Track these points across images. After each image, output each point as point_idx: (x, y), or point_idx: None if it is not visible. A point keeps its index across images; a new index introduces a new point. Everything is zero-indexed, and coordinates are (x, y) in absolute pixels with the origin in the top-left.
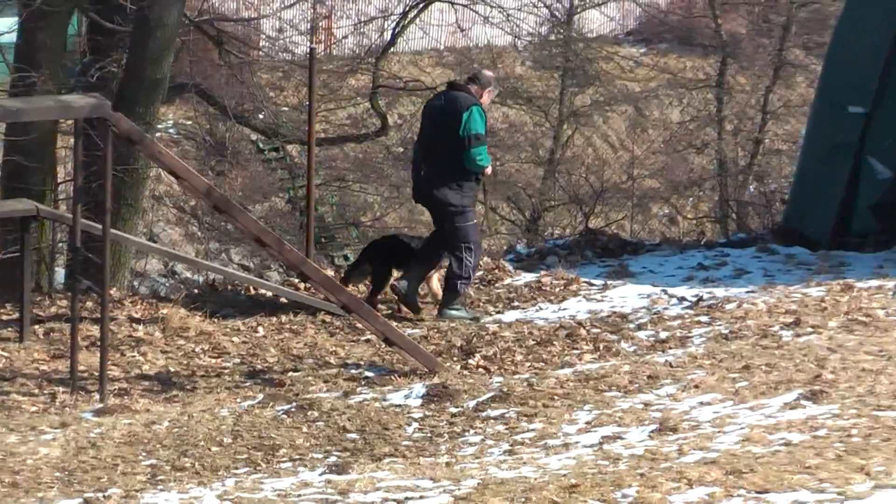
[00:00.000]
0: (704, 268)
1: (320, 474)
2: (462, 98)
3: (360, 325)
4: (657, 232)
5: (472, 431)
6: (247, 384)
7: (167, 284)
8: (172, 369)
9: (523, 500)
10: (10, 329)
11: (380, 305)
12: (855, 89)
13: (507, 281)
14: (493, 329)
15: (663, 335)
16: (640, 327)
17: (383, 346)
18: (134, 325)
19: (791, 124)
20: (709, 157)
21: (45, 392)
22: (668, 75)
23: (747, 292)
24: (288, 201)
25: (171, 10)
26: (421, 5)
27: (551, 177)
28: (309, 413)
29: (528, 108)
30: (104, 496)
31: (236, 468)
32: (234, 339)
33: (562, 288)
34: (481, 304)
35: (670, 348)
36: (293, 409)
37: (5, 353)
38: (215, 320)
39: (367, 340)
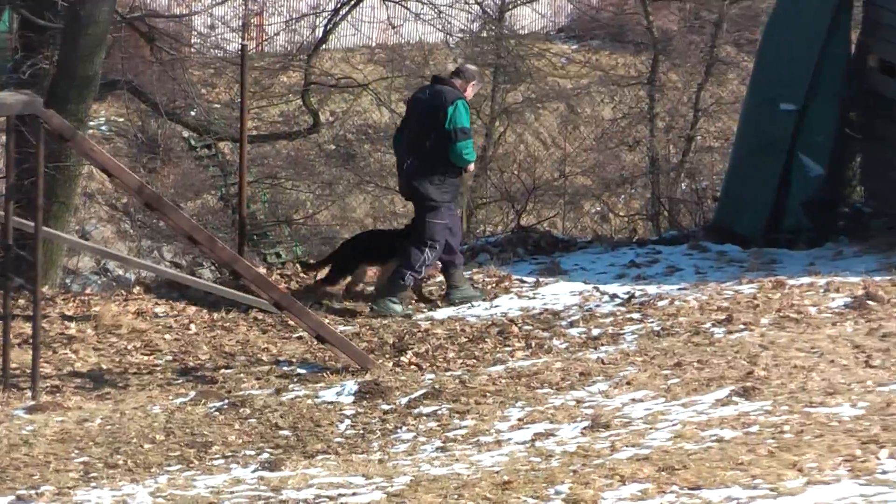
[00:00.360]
0: (636, 265)
1: (253, 471)
2: (447, 92)
3: (292, 323)
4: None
5: (404, 428)
6: (179, 381)
7: (99, 282)
8: (105, 367)
9: (456, 496)
10: None
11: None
12: (786, 86)
13: (439, 278)
14: (426, 326)
15: (595, 332)
16: (572, 324)
17: (315, 343)
18: (66, 322)
19: (723, 121)
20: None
21: None
22: (600, 72)
23: (679, 289)
24: (220, 198)
25: (103, 7)
26: (352, 2)
27: (483, 174)
28: (241, 410)
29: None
30: (37, 493)
31: (169, 465)
32: (167, 336)
33: (494, 285)
34: (413, 301)
35: (602, 345)
36: (225, 407)
37: None
38: (148, 318)
39: (300, 337)
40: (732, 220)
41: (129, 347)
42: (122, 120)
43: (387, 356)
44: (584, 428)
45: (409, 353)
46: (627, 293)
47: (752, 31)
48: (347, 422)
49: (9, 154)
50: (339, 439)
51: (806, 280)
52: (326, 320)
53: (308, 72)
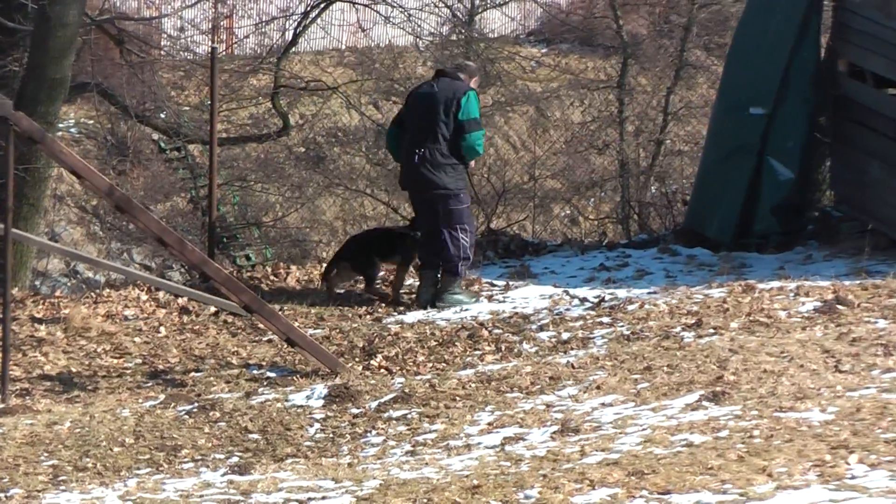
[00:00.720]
0: (606, 269)
1: (222, 475)
2: (458, 84)
3: (261, 326)
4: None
5: (373, 432)
6: (149, 384)
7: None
8: (74, 370)
9: (425, 500)
10: None
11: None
12: (756, 91)
13: (409, 282)
14: (395, 330)
15: (565, 336)
16: (541, 328)
17: (285, 346)
18: (35, 325)
19: (692, 125)
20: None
21: None
22: (570, 76)
23: (649, 293)
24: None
25: (72, 9)
26: (322, 5)
27: None
28: (211, 413)
29: None
30: (6, 496)
31: (138, 469)
32: (136, 339)
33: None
34: (383, 305)
35: (572, 349)
36: (195, 410)
37: None
38: (117, 320)
39: (269, 341)
40: (702, 224)
41: (98, 350)
42: (91, 122)
43: (356, 360)
44: (554, 432)
45: (379, 356)
46: (597, 297)
47: (722, 36)
48: (317, 425)
49: None
50: (308, 443)
51: (776, 284)
52: (296, 323)
53: (278, 75)
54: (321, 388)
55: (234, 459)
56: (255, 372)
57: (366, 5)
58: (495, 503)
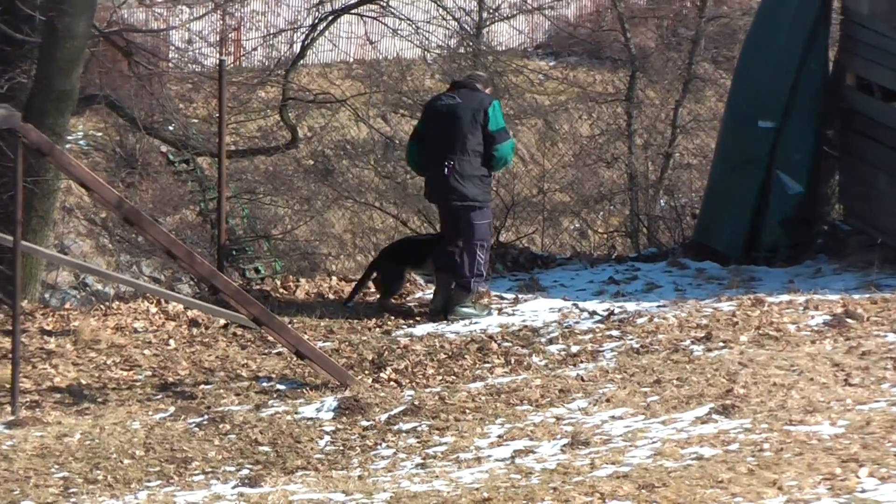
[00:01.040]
0: (615, 282)
1: (233, 487)
2: (481, 95)
3: (271, 338)
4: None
5: (384, 445)
6: (158, 397)
7: (78, 297)
8: (84, 382)
9: None
10: None
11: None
12: (764, 104)
13: (418, 294)
14: (405, 342)
15: (574, 349)
16: (551, 341)
17: (295, 358)
18: (45, 337)
19: (701, 138)
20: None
21: None
22: (578, 89)
23: (658, 306)
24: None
25: (80, 21)
26: (330, 18)
27: None
28: (221, 426)
29: None
30: None
31: (148, 481)
32: (146, 351)
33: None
34: (392, 318)
35: (582, 362)
36: (205, 422)
37: None
38: (127, 333)
39: (279, 353)
40: (711, 238)
41: (108, 362)
42: (100, 134)
43: (366, 372)
44: (564, 445)
45: (389, 369)
46: (606, 310)
47: (730, 49)
48: (327, 438)
49: None
50: (318, 455)
51: (785, 298)
52: (306, 336)
53: (286, 87)
54: (331, 401)
55: (245, 472)
56: (264, 384)
57: (374, 18)
58: None
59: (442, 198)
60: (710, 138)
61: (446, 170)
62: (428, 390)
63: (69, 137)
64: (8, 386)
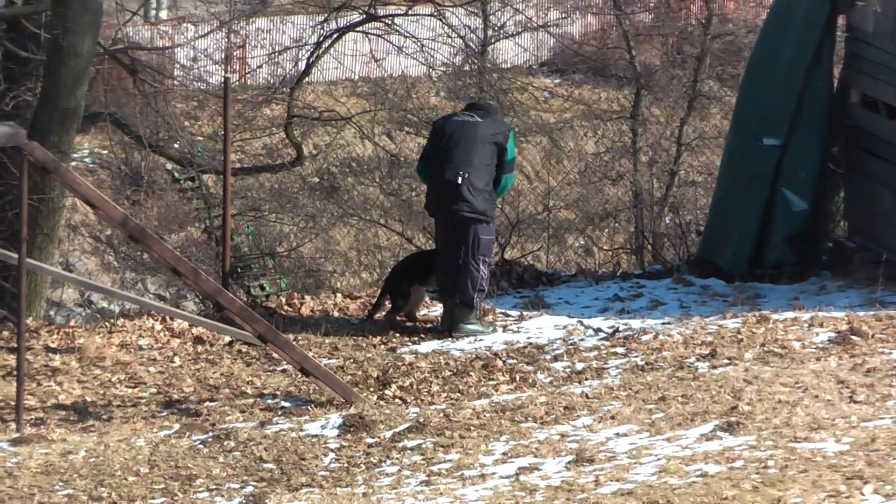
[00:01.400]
0: (620, 299)
1: None
2: (501, 122)
3: (276, 355)
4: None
5: (388, 462)
6: (163, 414)
7: (83, 314)
8: (89, 399)
9: None
10: None
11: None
12: (769, 121)
13: (423, 311)
14: (410, 359)
15: (579, 366)
16: (556, 358)
17: (299, 376)
18: (50, 354)
19: (706, 156)
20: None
21: None
22: (583, 106)
23: (663, 324)
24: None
25: (86, 39)
26: (335, 35)
27: None
28: (225, 443)
29: None
30: None
31: (153, 498)
32: (151, 368)
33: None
34: (397, 335)
35: (586, 379)
36: (210, 439)
37: None
38: (132, 350)
39: (284, 370)
40: (716, 255)
41: (113, 380)
42: (105, 152)
43: (371, 389)
44: (569, 462)
45: (394, 386)
46: (611, 327)
47: (735, 66)
48: (332, 455)
49: None
50: (323, 473)
51: (790, 315)
52: (311, 353)
53: (291, 104)
54: (336, 418)
55: (249, 489)
56: (269, 401)
57: (379, 36)
58: None
59: (451, 208)
60: (715, 155)
61: (460, 179)
62: (433, 407)
63: (74, 155)
64: (13, 403)
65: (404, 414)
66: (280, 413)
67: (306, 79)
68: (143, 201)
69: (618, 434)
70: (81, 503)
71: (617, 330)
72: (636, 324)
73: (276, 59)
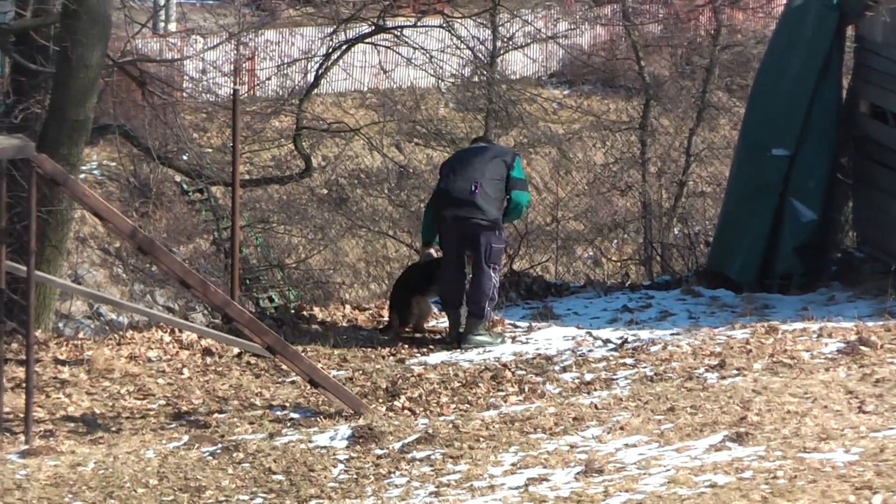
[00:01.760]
0: (629, 310)
1: None
2: (507, 148)
3: (285, 367)
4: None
5: (397, 473)
6: (172, 426)
7: (92, 326)
8: (98, 411)
9: None
10: None
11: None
12: (778, 132)
13: (432, 323)
14: (419, 371)
15: (588, 377)
16: (565, 369)
17: (308, 387)
18: (59, 366)
19: (715, 166)
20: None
21: None
22: (592, 117)
23: (672, 334)
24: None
25: (95, 51)
26: (344, 47)
27: None
28: (234, 455)
29: (452, 150)
30: None
31: None
32: (160, 380)
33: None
34: (406, 346)
35: (595, 390)
36: (219, 451)
37: None
38: (141, 362)
39: (293, 382)
40: (725, 265)
41: (122, 392)
42: (114, 164)
43: (380, 401)
44: (578, 473)
45: (403, 397)
46: (620, 338)
47: (744, 77)
48: (341, 466)
49: (0, 198)
50: (332, 484)
51: (799, 325)
52: (319, 365)
53: (300, 116)
54: (345, 429)
55: (258, 501)
56: (278, 413)
57: (388, 47)
58: None
59: (464, 215)
60: (723, 166)
61: (473, 187)
62: (442, 418)
63: (83, 167)
64: (22, 415)
65: (413, 425)
66: (289, 424)
67: (315, 90)
68: (151, 213)
69: (627, 445)
70: None
71: (626, 341)
72: (645, 334)
73: (284, 71)
